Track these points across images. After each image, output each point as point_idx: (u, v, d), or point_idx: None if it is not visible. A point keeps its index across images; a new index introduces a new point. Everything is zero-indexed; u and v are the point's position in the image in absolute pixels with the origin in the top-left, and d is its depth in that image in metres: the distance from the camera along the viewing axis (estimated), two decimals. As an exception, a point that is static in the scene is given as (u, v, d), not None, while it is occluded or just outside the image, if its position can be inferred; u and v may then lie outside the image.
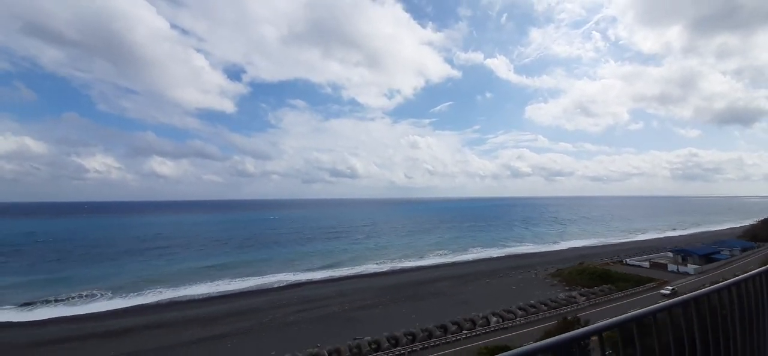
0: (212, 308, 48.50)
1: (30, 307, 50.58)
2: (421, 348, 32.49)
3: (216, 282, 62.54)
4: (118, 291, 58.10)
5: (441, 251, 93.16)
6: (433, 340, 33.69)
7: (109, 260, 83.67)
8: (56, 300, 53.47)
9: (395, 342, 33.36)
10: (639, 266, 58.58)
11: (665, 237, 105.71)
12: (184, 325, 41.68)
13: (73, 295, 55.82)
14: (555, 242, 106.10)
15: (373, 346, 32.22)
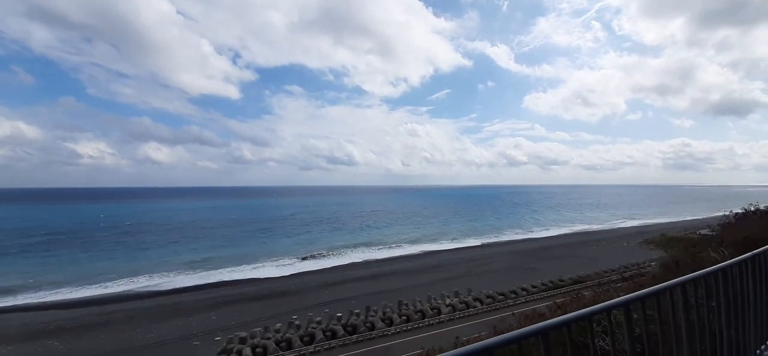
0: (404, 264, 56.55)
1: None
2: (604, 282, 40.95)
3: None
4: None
5: (518, 229, 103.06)
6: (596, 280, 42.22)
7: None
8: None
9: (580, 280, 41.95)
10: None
11: (701, 219, 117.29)
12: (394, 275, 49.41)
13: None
14: (607, 222, 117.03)
15: (558, 281, 40.49)
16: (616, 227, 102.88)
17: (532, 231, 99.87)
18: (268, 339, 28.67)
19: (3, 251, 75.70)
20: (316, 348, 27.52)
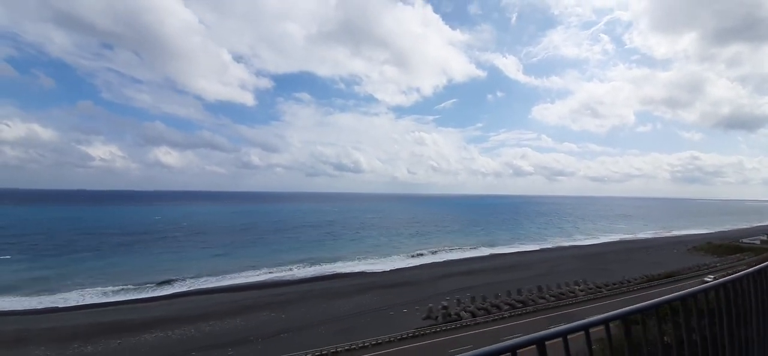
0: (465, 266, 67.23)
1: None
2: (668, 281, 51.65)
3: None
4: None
5: (564, 237, 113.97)
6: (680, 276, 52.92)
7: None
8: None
9: (652, 277, 52.51)
10: (752, 244, 79.27)
11: (735, 229, 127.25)
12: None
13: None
14: (641, 232, 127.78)
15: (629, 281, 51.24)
16: (653, 236, 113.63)
17: (576, 239, 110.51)
18: (447, 308, 39.68)
19: (113, 248, 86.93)
20: (489, 318, 38.24)
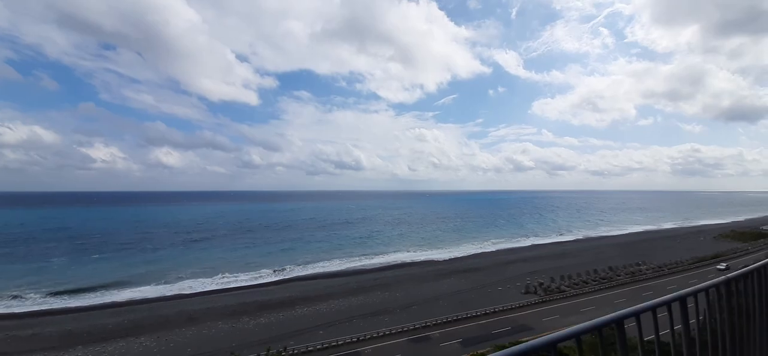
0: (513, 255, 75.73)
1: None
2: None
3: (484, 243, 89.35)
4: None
5: (590, 229, 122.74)
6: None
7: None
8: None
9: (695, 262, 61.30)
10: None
11: (752, 219, 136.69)
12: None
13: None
14: (660, 223, 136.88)
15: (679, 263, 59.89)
16: (676, 226, 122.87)
17: (603, 230, 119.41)
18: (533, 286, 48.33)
19: (190, 243, 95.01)
20: (582, 291, 46.81)
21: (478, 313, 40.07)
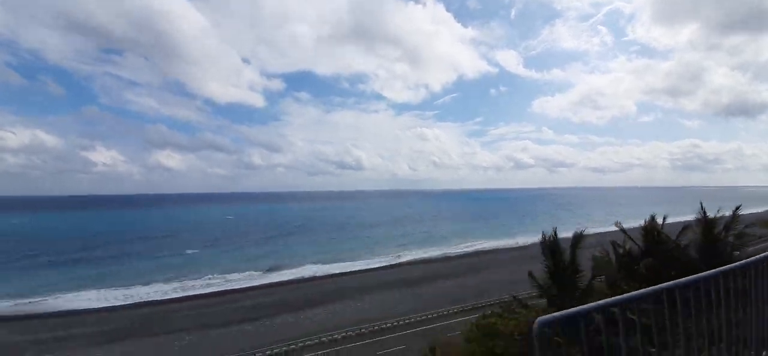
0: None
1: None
2: None
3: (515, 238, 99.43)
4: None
5: (623, 221, 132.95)
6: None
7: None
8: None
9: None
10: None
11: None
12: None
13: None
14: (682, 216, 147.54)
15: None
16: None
17: (633, 223, 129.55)
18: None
19: (260, 242, 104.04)
20: None
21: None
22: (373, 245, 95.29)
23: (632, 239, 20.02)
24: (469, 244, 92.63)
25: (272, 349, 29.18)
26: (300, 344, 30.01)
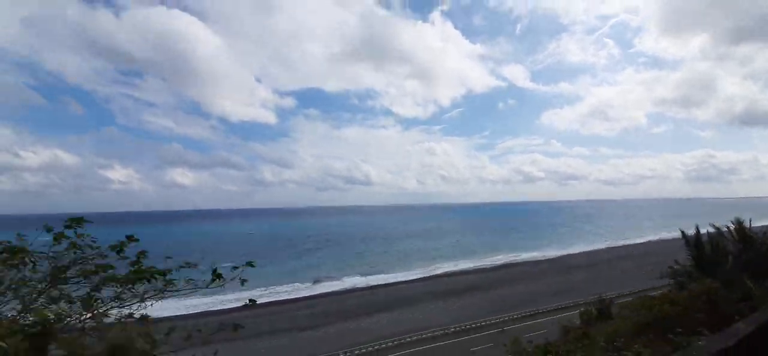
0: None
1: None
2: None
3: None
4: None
5: (653, 233, 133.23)
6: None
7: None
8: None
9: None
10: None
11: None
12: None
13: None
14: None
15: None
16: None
17: (663, 234, 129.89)
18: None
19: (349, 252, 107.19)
20: None
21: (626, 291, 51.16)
22: (404, 258, 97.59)
23: (729, 237, 22.34)
24: (500, 256, 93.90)
25: (366, 347, 31.85)
26: (396, 341, 32.72)
